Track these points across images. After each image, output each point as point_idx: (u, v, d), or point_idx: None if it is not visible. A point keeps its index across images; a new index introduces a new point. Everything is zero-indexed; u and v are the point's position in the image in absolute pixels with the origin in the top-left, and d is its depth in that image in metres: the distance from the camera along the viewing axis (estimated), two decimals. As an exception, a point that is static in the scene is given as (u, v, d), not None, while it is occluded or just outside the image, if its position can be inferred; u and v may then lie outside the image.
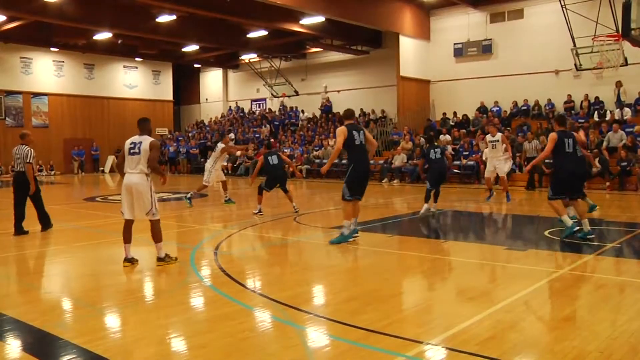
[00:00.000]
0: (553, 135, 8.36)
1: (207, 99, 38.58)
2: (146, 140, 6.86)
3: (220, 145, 14.33)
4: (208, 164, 14.29)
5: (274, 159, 12.52)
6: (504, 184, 14.27)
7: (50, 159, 30.73)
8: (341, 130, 8.28)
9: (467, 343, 4.25)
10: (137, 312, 5.27)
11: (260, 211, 12.20)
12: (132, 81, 34.95)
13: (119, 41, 28.74)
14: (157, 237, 7.03)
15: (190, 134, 33.71)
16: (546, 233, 9.22)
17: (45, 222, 10.11)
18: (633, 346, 4.20)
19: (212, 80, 38.26)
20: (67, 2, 21.80)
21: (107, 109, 33.66)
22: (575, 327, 4.71)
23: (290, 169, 13.91)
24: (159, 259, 7.04)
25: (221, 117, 35.80)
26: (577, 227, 8.43)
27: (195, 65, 36.99)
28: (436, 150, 11.95)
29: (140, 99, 35.02)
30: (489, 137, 14.28)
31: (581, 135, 14.35)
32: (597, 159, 17.21)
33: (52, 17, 22.70)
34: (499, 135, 14.19)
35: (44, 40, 27.96)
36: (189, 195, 14.12)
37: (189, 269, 7.01)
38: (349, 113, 8.81)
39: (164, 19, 24.16)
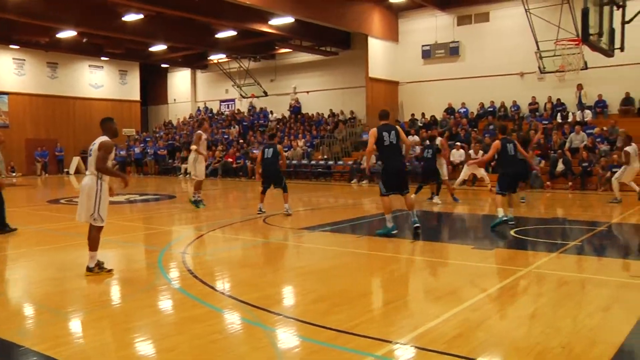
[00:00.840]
0: (496, 143, 9.78)
1: (175, 100, 38.20)
2: (98, 141, 6.56)
3: (193, 147, 13.04)
4: (190, 159, 13.21)
5: (268, 152, 11.85)
6: (447, 186, 14.79)
7: (12, 160, 29.96)
8: (372, 132, 8.95)
9: (435, 342, 4.30)
10: (102, 317, 5.18)
11: (261, 210, 11.96)
12: (98, 81, 34.31)
13: (84, 39, 28.18)
14: (92, 244, 6.60)
15: (158, 135, 33.31)
16: (512, 232, 9.38)
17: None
18: (592, 340, 4.31)
19: (180, 81, 37.89)
20: (29, -2, 21.28)
21: (72, 109, 32.97)
22: (539, 323, 4.80)
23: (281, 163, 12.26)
24: (88, 269, 6.60)
25: (189, 117, 35.47)
26: (505, 218, 9.53)
27: (163, 65, 36.55)
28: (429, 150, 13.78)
29: (106, 99, 34.41)
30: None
31: (536, 136, 16.13)
32: (560, 160, 17.57)
33: (12, 14, 22.01)
34: (438, 140, 14.78)
35: (4, 37, 27.21)
36: (194, 199, 12.98)
37: (156, 272, 6.92)
38: (384, 114, 9.25)
39: (131, 17, 23.78)
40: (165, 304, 5.69)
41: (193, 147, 12.77)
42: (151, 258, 7.62)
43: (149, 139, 32.32)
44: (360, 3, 23.81)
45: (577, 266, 7.25)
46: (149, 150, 30.51)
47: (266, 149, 11.91)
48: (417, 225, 9.18)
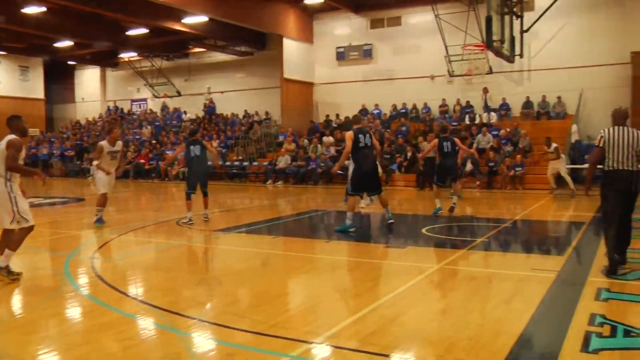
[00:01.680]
0: (435, 141, 11.04)
1: (83, 98, 36.54)
2: (5, 140, 6.14)
3: (95, 162, 11.12)
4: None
5: (195, 150, 10.45)
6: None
7: None
8: (349, 135, 9.24)
9: (350, 339, 4.37)
10: (3, 328, 4.87)
11: (190, 220, 10.49)
12: (-5, 76, 32.18)
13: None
14: (13, 244, 6.24)
15: (65, 135, 31.79)
16: (424, 230, 9.69)
17: None
18: (496, 331, 4.54)
19: (88, 79, 36.27)
20: None
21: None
22: (449, 317, 5.00)
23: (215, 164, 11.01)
24: None
25: (99, 117, 34.11)
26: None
27: (70, 63, 34.89)
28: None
29: (5, 96, 32.28)
30: None
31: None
32: (469, 160, 18.36)
33: None
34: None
35: None
36: (95, 217, 10.75)
37: (63, 278, 6.58)
38: (357, 119, 9.68)
39: (32, 10, 22.39)
40: (73, 311, 5.43)
41: (95, 162, 11.05)
42: (57, 264, 7.26)
43: (54, 139, 30.80)
44: (275, 4, 23.81)
45: (483, 262, 7.59)
46: (54, 152, 29.10)
47: (191, 147, 10.48)
48: (391, 221, 9.61)
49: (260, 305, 5.34)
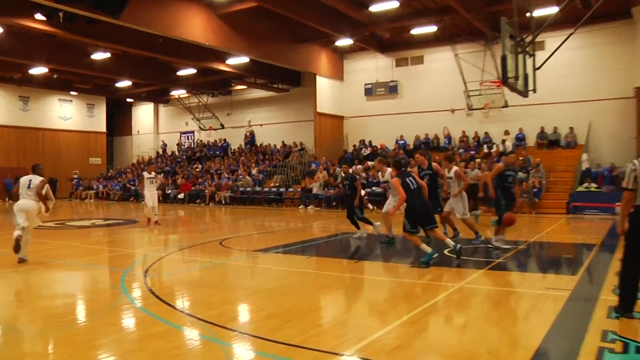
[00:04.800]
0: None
1: (138, 131, 37.46)
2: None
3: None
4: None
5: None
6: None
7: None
8: (397, 182, 8.17)
9: (377, 352, 4.32)
10: (67, 335, 4.97)
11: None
12: (67, 113, 33.30)
13: (55, 75, 27.44)
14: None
15: (124, 172, 32.64)
16: (446, 252, 9.54)
17: None
18: (514, 345, 4.44)
19: (143, 114, 37.25)
20: (2, 36, 20.65)
21: (41, 140, 31.90)
22: (469, 332, 4.91)
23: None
24: None
25: (156, 155, 34.71)
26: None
27: (128, 100, 35.91)
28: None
29: (74, 130, 33.46)
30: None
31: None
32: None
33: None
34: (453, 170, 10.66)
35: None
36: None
37: (119, 292, 6.70)
38: (398, 164, 8.62)
39: (99, 56, 23.40)
40: (128, 322, 5.51)
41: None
42: (115, 279, 7.39)
43: (116, 178, 31.79)
44: (309, 45, 24.14)
45: (501, 281, 7.44)
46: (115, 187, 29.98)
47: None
48: (452, 249, 8.47)
49: (293, 319, 5.33)
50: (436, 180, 10.56)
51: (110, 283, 7.44)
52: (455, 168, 10.56)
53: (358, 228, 11.67)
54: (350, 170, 13.16)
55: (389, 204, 10.69)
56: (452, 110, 23.56)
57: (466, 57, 21.18)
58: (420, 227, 8.39)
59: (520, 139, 21.76)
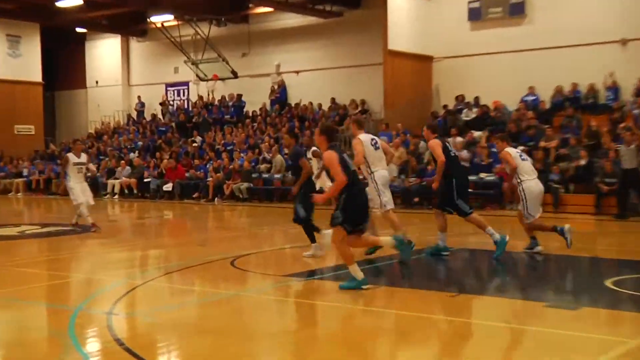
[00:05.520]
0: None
1: (97, 82, 37.96)
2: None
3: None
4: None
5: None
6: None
7: None
8: (436, 143, 11.32)
9: None
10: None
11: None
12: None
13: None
14: None
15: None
16: (608, 283, 9.26)
17: None
18: None
19: (105, 53, 37.82)
20: None
21: None
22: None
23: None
24: None
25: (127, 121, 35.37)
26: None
27: (79, 30, 36.34)
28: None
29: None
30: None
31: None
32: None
33: None
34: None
35: None
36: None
37: (66, 342, 6.75)
38: (436, 125, 9.94)
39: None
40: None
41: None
42: (59, 323, 7.48)
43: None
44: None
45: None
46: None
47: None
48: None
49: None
50: None
51: (51, 329, 7.53)
52: None
53: (313, 240, 11.66)
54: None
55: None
56: (624, 42, 22.96)
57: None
58: None
59: None
